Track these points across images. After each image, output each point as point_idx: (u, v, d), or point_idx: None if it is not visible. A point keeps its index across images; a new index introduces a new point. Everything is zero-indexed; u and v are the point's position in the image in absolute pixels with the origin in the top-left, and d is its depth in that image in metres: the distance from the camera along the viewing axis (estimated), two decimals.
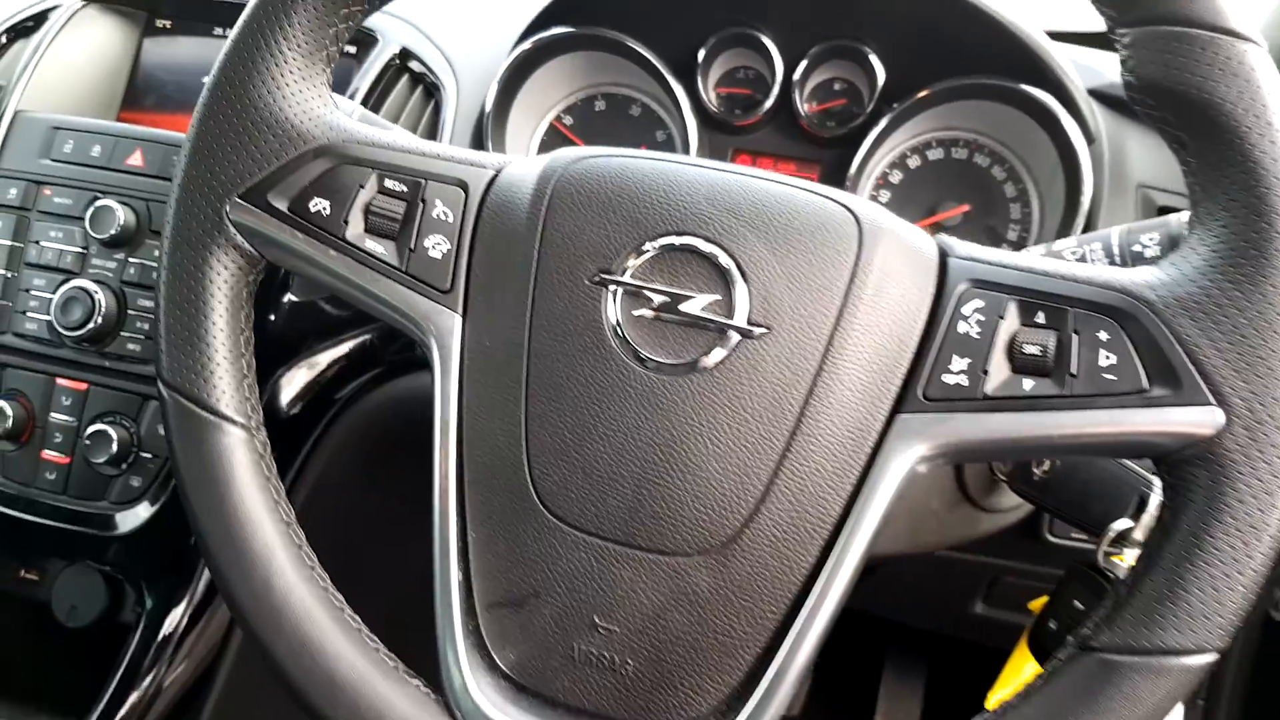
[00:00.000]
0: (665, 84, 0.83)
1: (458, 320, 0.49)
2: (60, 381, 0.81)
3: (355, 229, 0.50)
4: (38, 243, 0.82)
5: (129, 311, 0.80)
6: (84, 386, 0.81)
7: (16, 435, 0.80)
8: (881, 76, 0.81)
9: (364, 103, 0.83)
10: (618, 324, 0.46)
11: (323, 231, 0.50)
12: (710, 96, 0.86)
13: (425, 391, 0.49)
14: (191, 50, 0.94)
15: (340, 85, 0.90)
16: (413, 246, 0.49)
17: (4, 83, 0.91)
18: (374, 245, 0.50)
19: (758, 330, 0.45)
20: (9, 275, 0.83)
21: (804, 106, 0.85)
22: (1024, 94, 0.77)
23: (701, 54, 0.84)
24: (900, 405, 0.45)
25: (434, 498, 0.48)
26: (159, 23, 0.95)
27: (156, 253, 0.80)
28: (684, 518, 0.45)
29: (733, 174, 0.48)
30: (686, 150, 0.84)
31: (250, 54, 0.50)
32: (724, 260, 0.46)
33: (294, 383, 0.82)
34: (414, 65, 0.87)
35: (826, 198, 0.47)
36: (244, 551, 0.47)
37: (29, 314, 0.81)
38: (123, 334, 0.80)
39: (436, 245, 0.49)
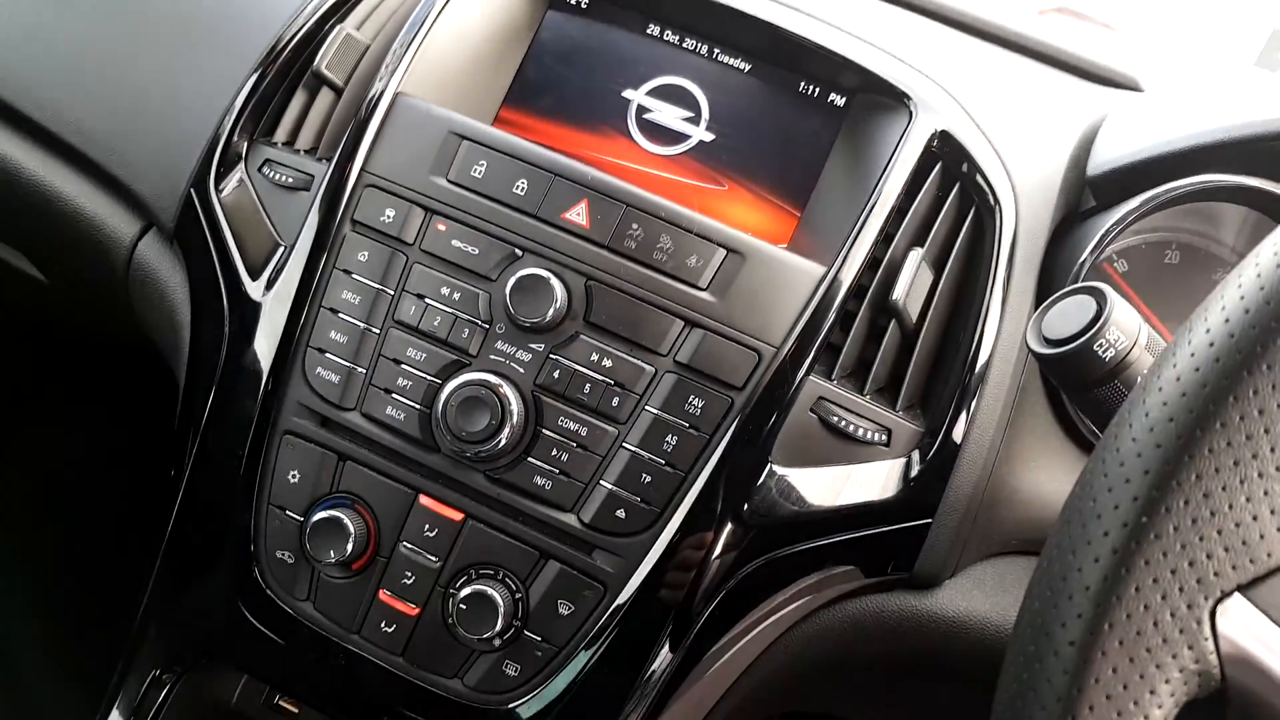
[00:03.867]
0: None
1: None
2: (425, 501, 0.58)
3: None
4: (422, 297, 0.59)
5: (543, 430, 0.57)
6: (459, 517, 0.58)
7: (349, 563, 0.58)
8: None
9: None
10: None
11: None
12: None
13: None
14: (607, 41, 0.70)
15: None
16: None
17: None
18: None
19: None
20: (367, 331, 0.59)
21: None
22: None
23: None
24: None
25: None
26: None
27: (594, 356, 0.57)
28: None
29: None
30: None
31: None
32: None
33: None
34: (951, 161, 0.61)
35: None
36: None
37: (395, 395, 0.58)
38: (529, 459, 0.57)
39: None
